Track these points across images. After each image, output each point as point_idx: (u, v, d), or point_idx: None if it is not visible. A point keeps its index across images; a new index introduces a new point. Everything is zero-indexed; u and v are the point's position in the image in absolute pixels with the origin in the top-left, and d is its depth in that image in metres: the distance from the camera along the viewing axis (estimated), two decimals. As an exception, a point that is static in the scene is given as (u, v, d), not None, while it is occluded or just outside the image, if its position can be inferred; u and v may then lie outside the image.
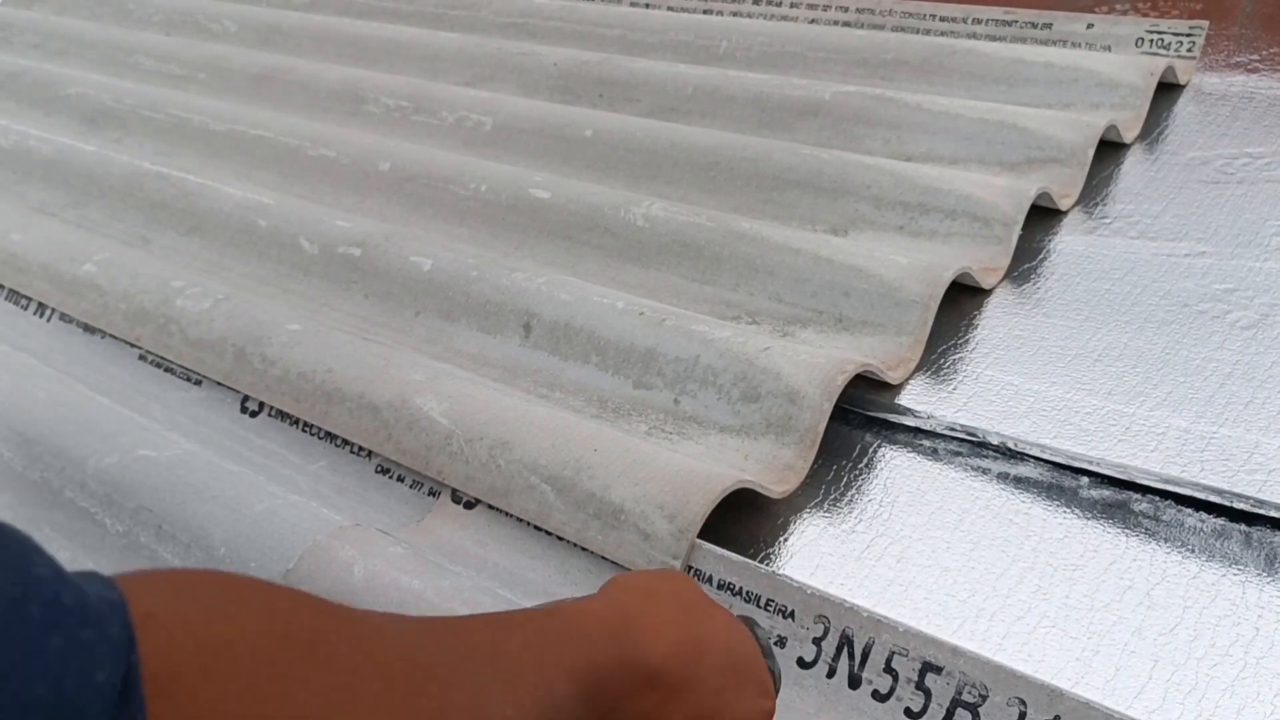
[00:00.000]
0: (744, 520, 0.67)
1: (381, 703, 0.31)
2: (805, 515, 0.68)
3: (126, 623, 0.25)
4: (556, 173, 1.04)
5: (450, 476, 0.70)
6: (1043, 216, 0.90)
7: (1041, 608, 0.59)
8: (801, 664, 0.57)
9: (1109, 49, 1.10)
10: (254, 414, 0.82)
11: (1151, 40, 1.08)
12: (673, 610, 0.45)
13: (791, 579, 0.59)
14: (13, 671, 0.22)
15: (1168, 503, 0.65)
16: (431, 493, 0.72)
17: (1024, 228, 0.86)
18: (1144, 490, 0.65)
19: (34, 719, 0.22)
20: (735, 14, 1.34)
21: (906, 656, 0.54)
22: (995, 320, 0.81)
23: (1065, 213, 0.91)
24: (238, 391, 0.83)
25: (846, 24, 1.26)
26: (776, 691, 0.49)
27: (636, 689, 0.41)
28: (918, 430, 0.73)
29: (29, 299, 1.00)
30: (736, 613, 0.60)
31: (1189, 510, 0.64)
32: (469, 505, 0.70)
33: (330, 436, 0.77)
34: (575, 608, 0.43)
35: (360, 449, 0.76)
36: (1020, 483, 0.68)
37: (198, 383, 0.85)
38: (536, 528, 0.67)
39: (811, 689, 0.57)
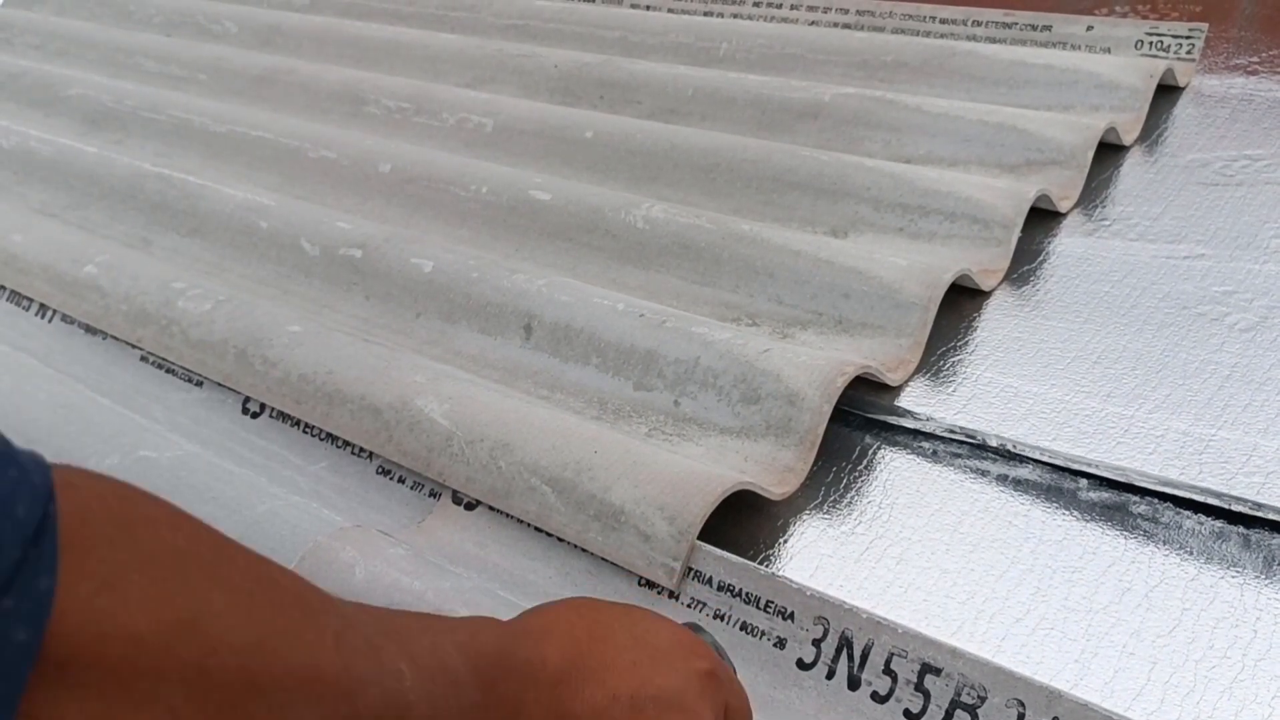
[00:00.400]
0: (744, 522, 0.67)
1: (282, 616, 0.31)
2: (805, 517, 0.68)
3: (49, 479, 0.26)
4: (557, 174, 1.05)
5: (451, 478, 0.70)
6: (1042, 218, 0.90)
7: (1040, 609, 0.59)
8: (801, 665, 0.57)
9: (1108, 51, 1.10)
10: (255, 415, 0.82)
11: (1151, 43, 1.08)
12: (563, 611, 0.45)
13: (791, 580, 0.59)
14: None
15: (1166, 505, 0.65)
16: (432, 494, 0.72)
17: (1023, 230, 0.86)
18: (1143, 493, 0.66)
19: None
20: (735, 16, 1.34)
21: (906, 658, 0.55)
22: (994, 322, 0.81)
23: (1065, 215, 0.91)
24: (239, 393, 0.83)
25: (847, 26, 1.26)
26: None
27: (541, 686, 0.40)
28: (917, 432, 0.73)
29: (30, 300, 1.01)
30: (736, 616, 0.60)
31: (1187, 513, 0.64)
32: (470, 507, 0.70)
33: (331, 438, 0.77)
34: (466, 618, 0.44)
35: (361, 450, 0.76)
36: (1019, 485, 0.68)
37: (199, 384, 0.86)
38: (537, 529, 0.67)
39: (811, 690, 0.57)
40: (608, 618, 0.45)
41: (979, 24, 1.18)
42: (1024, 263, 0.86)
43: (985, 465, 0.70)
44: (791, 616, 0.58)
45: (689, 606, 0.61)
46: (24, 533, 0.24)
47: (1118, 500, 0.66)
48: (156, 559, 0.28)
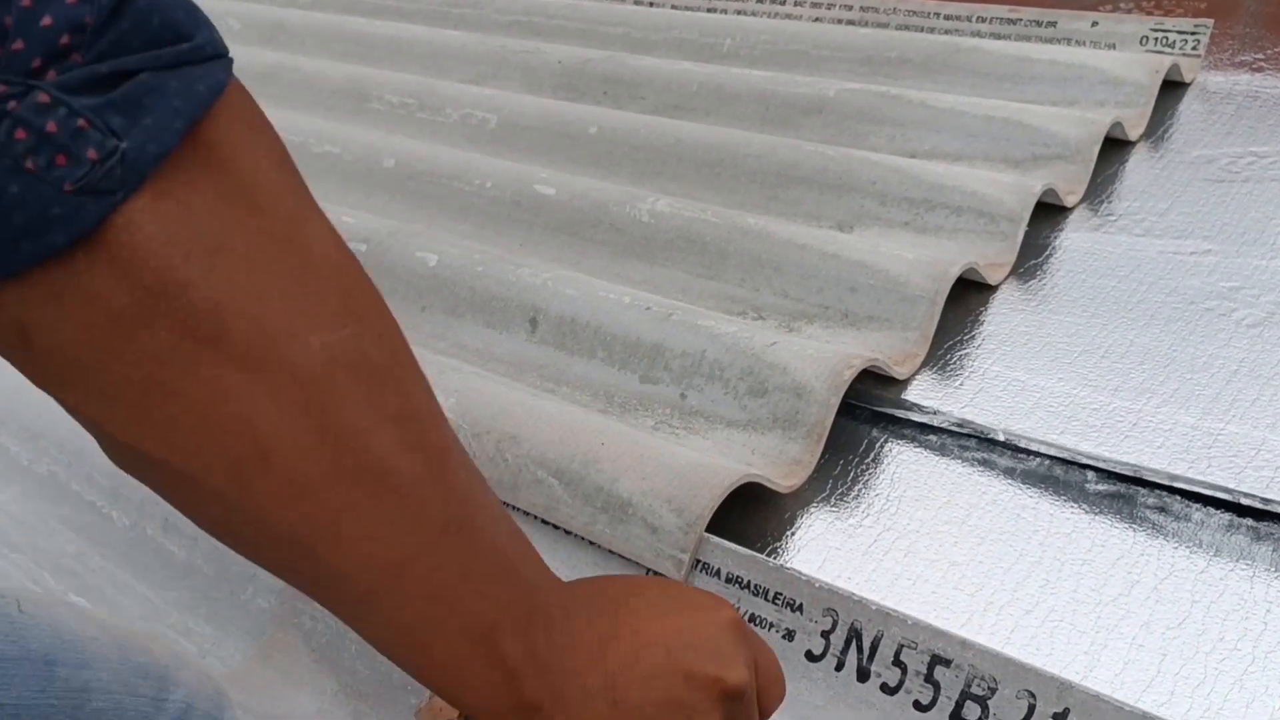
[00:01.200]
0: (751, 515, 0.67)
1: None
2: (812, 509, 0.68)
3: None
4: (561, 169, 1.04)
5: (457, 470, 0.70)
6: (1048, 213, 0.90)
7: (1049, 601, 0.59)
8: (810, 657, 0.57)
9: (1113, 47, 1.10)
10: (260, 408, 0.82)
11: (1156, 39, 1.08)
12: (584, 582, 0.45)
13: (799, 572, 0.59)
14: None
15: (1175, 498, 0.65)
16: (438, 487, 0.72)
17: (1029, 224, 0.86)
18: (1151, 486, 0.65)
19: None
20: (739, 12, 1.34)
21: (915, 649, 0.54)
22: (1001, 316, 0.81)
23: (1070, 209, 0.91)
24: (243, 386, 0.82)
25: (850, 22, 1.26)
26: None
27: (579, 645, 0.39)
28: (924, 425, 0.73)
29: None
30: (744, 608, 0.60)
31: (1196, 505, 0.64)
32: (476, 499, 0.70)
33: (336, 431, 0.77)
34: None
35: (366, 443, 0.76)
36: (1027, 478, 0.68)
37: (203, 377, 0.85)
38: (544, 522, 0.67)
39: (820, 682, 0.57)
40: (632, 580, 0.46)
41: (983, 20, 1.18)
42: (1030, 257, 0.86)
43: (993, 458, 0.69)
44: (800, 608, 0.58)
45: (697, 599, 0.61)
46: (219, 49, 0.30)
47: (1126, 493, 0.65)
48: (283, 152, 0.33)
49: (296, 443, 0.31)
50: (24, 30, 0.25)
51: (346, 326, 0.32)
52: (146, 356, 0.29)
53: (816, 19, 1.28)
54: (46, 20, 0.26)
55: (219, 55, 0.30)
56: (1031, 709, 0.51)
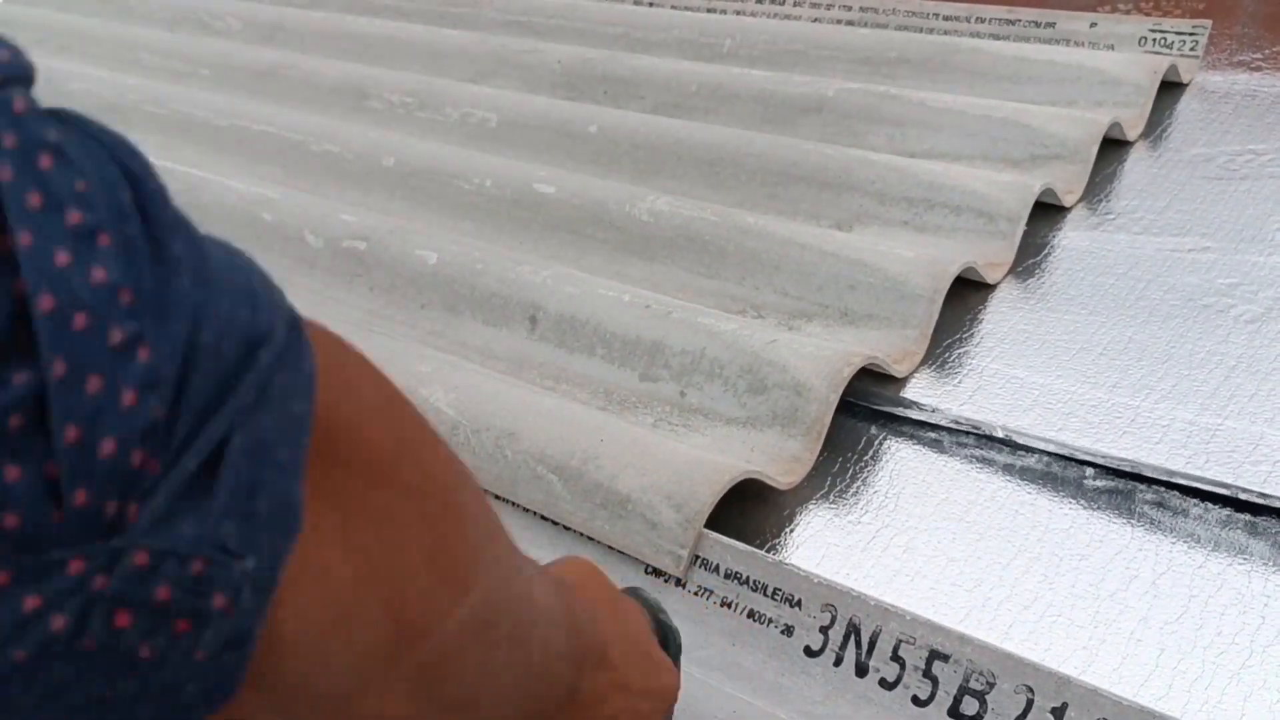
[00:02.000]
0: (750, 511, 0.67)
1: (462, 467, 0.31)
2: (811, 506, 0.68)
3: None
4: (561, 168, 1.05)
5: (457, 467, 0.70)
6: (1047, 213, 0.90)
7: (1047, 597, 0.59)
8: (809, 652, 0.57)
9: (1112, 48, 1.10)
10: (260, 406, 0.82)
11: (1154, 39, 1.08)
12: (590, 585, 0.45)
13: (798, 568, 0.59)
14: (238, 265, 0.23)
15: (1173, 493, 0.65)
16: (438, 483, 0.72)
17: (1028, 224, 0.86)
18: (1149, 481, 0.66)
19: (240, 300, 0.22)
20: (738, 12, 1.34)
21: (914, 644, 0.55)
22: (1000, 315, 0.81)
23: (1069, 209, 0.91)
24: (243, 383, 0.83)
25: (849, 23, 1.26)
26: (678, 652, 0.48)
27: (593, 669, 0.40)
28: (923, 423, 0.73)
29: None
30: (743, 604, 0.60)
31: (1194, 500, 0.64)
32: (475, 496, 0.70)
33: (336, 428, 0.77)
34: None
35: (366, 440, 0.76)
36: (1025, 474, 0.68)
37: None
38: (543, 518, 0.67)
39: (819, 677, 0.57)
40: (629, 611, 0.45)
41: (982, 21, 1.18)
42: (1029, 256, 0.86)
43: (991, 455, 0.70)
44: (799, 604, 0.58)
45: (696, 594, 0.61)
46: (289, 317, 0.23)
47: (1124, 488, 0.66)
48: (379, 384, 0.28)
49: (417, 715, 0.29)
50: (79, 476, 0.18)
51: (472, 590, 0.29)
52: None
53: (816, 19, 1.28)
54: (108, 447, 0.18)
55: (292, 326, 0.24)
56: (1030, 704, 0.51)
